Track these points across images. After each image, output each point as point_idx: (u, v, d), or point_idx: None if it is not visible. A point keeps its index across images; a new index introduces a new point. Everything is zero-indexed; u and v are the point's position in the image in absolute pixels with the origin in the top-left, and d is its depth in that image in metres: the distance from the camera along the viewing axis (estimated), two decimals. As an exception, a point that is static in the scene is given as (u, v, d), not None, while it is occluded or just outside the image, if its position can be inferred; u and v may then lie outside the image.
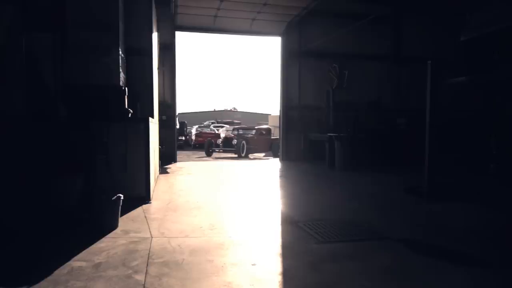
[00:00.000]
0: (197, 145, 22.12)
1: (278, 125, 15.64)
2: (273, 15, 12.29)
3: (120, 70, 6.73)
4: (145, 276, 3.34)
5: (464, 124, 9.93)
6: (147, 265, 3.60)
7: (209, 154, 17.18)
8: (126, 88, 6.54)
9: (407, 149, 10.79)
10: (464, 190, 7.79)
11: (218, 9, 11.52)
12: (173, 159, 12.87)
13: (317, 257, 3.92)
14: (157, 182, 8.42)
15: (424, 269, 3.70)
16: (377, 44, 13.74)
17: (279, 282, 3.35)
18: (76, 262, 3.66)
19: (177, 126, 22.11)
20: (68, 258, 3.72)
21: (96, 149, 5.87)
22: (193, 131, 24.05)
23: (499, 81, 9.59)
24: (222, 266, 3.63)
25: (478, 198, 7.04)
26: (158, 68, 10.61)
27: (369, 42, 13.55)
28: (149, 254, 3.88)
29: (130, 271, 3.45)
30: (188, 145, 23.30)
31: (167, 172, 10.39)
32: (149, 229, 4.78)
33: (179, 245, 4.16)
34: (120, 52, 6.77)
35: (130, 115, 6.44)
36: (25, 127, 5.45)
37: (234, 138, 17.71)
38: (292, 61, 13.77)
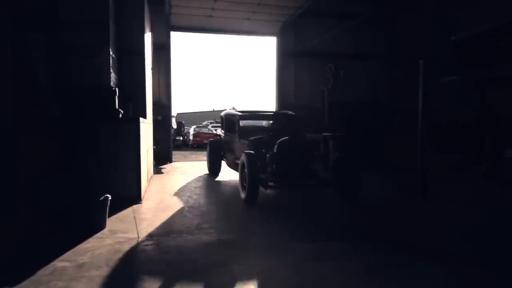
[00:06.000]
0: (195, 145, 22.22)
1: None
2: (267, 15, 12.29)
3: (111, 70, 6.72)
4: (128, 276, 3.35)
5: (458, 123, 9.92)
6: (131, 265, 3.60)
7: (254, 200, 6.26)
8: (117, 89, 6.54)
9: (403, 149, 10.78)
10: (458, 189, 7.78)
11: (212, 9, 11.53)
12: (168, 159, 12.85)
13: (302, 256, 3.92)
14: (150, 182, 8.42)
15: (410, 268, 3.70)
16: (372, 43, 13.72)
17: (261, 280, 3.35)
18: (60, 262, 3.67)
19: (175, 127, 22.25)
20: (52, 259, 3.72)
21: (87, 149, 5.88)
22: (191, 131, 24.09)
23: (494, 79, 9.59)
24: (206, 266, 3.63)
25: (471, 198, 7.03)
26: (153, 68, 10.59)
27: (365, 41, 13.54)
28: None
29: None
30: (186, 145, 23.37)
31: (161, 172, 10.39)
32: (137, 229, 4.78)
33: (165, 245, 4.16)
34: (111, 53, 6.77)
35: (121, 115, 6.44)
36: (15, 127, 5.46)
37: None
38: (287, 61, 13.77)
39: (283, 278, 3.44)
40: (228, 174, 9.13)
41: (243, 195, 6.41)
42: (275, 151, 6.30)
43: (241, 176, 6.54)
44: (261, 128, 9.67)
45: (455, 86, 10.57)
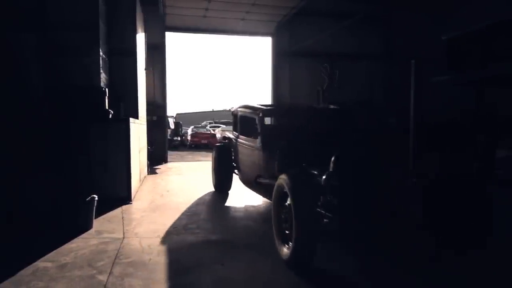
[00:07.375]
0: (192, 146, 22.26)
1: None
2: (262, 15, 12.29)
3: (101, 70, 6.72)
4: (108, 276, 3.34)
5: (453, 123, 9.90)
6: (113, 265, 3.59)
7: (309, 261, 3.48)
8: (107, 89, 6.54)
9: (399, 149, 10.75)
10: (450, 189, 7.77)
11: (206, 9, 11.53)
12: (163, 160, 12.84)
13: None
14: (143, 183, 8.41)
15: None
16: (368, 43, 13.70)
17: (243, 281, 3.35)
18: (43, 262, 3.66)
19: (172, 127, 22.22)
20: (35, 259, 3.72)
21: (76, 149, 5.87)
22: (189, 131, 24.11)
23: (489, 78, 9.56)
24: (189, 266, 3.62)
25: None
26: (147, 69, 10.59)
27: (360, 41, 13.51)
28: (117, 254, 3.88)
29: (95, 271, 3.45)
30: (184, 146, 23.41)
31: (155, 173, 10.38)
32: (123, 229, 4.77)
33: (149, 246, 4.16)
34: (101, 53, 6.77)
35: (111, 115, 6.43)
36: (4, 126, 5.47)
37: None
38: (282, 61, 13.75)
39: (267, 278, 3.44)
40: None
41: (285, 251, 3.57)
42: (331, 170, 3.39)
43: (278, 215, 3.78)
44: (290, 127, 5.78)
45: (451, 86, 10.55)
